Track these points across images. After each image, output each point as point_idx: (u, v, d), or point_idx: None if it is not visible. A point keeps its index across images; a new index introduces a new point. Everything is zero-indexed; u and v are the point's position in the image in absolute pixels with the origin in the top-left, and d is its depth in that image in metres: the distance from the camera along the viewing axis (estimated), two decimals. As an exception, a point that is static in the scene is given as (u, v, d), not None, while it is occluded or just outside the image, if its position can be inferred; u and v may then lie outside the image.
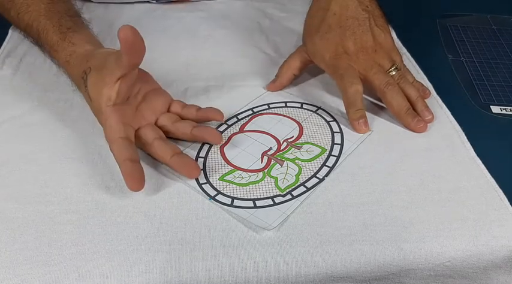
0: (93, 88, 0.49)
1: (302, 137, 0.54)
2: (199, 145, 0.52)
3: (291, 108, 0.58)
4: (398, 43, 0.66)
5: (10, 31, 0.68)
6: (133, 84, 0.49)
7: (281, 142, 0.53)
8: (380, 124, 0.55)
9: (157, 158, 0.49)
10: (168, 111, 0.53)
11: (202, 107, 0.53)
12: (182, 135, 0.51)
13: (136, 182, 0.45)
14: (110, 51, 0.51)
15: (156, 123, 0.52)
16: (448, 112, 0.57)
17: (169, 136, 0.52)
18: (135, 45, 0.44)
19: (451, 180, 0.49)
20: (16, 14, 0.59)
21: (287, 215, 0.45)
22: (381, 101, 0.57)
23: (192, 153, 0.51)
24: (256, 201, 0.47)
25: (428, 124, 0.55)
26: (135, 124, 0.50)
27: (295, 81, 0.61)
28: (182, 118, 0.53)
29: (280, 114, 0.57)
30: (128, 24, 0.44)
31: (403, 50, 0.66)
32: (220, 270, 0.42)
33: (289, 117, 0.56)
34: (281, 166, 0.50)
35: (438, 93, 0.60)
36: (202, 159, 0.51)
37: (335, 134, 0.54)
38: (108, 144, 0.48)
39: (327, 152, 0.52)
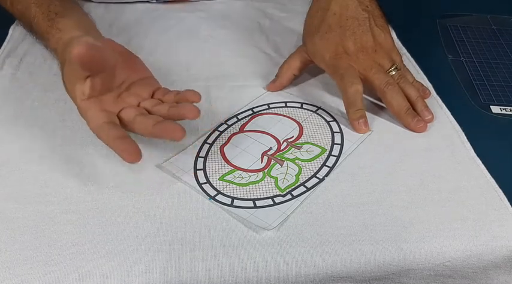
0: (67, 81, 0.48)
1: (302, 137, 0.54)
2: (200, 144, 0.52)
3: (291, 108, 0.58)
4: (398, 43, 0.66)
5: (10, 31, 0.68)
6: (115, 75, 0.48)
7: (281, 142, 0.53)
8: (380, 124, 0.55)
9: (141, 132, 0.47)
10: (152, 97, 0.51)
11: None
12: (162, 116, 0.48)
13: (132, 153, 0.44)
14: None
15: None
16: (448, 112, 0.57)
17: None
18: (91, 62, 0.43)
19: (451, 180, 0.49)
20: (11, 3, 0.58)
21: (287, 215, 0.45)
22: (381, 101, 0.57)
23: (192, 153, 0.51)
24: (256, 201, 0.47)
25: (428, 124, 0.55)
26: (116, 109, 0.48)
27: (295, 81, 0.61)
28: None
29: (280, 114, 0.57)
30: (83, 44, 0.43)
31: (403, 50, 0.66)
32: (220, 270, 0.42)
33: (289, 117, 0.56)
34: (281, 166, 0.50)
35: (438, 93, 0.60)
36: (202, 159, 0.51)
37: (335, 134, 0.54)
38: (95, 134, 0.47)
39: (327, 152, 0.52)
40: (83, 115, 0.48)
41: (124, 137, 0.45)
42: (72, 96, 0.48)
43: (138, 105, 0.50)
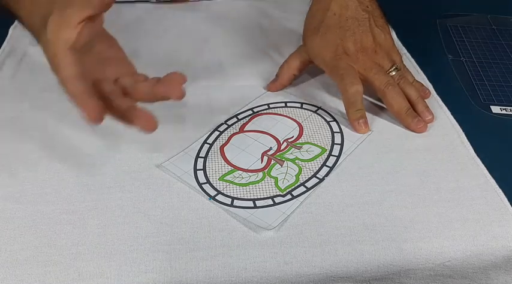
0: (53, 31, 0.42)
1: (302, 137, 0.54)
2: (200, 145, 0.52)
3: (291, 108, 0.58)
4: (398, 43, 0.66)
5: (10, 31, 0.68)
6: (95, 42, 0.45)
7: (281, 142, 0.53)
8: (380, 124, 0.55)
9: (111, 112, 0.45)
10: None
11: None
12: (143, 96, 0.45)
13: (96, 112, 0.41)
14: None
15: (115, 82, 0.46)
16: (448, 112, 0.57)
17: None
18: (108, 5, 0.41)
19: (451, 180, 0.49)
20: None
21: (287, 215, 0.45)
22: (381, 101, 0.57)
23: (192, 153, 0.51)
24: (256, 201, 0.47)
25: (428, 125, 0.55)
26: (92, 74, 0.44)
27: (295, 81, 0.61)
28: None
29: (280, 114, 0.57)
30: None
31: (403, 50, 0.66)
32: (220, 270, 0.42)
33: (289, 117, 0.56)
34: (281, 166, 0.50)
35: (438, 93, 0.60)
36: (202, 159, 0.51)
37: (335, 134, 0.54)
38: (64, 84, 0.42)
39: (327, 152, 0.52)
40: (57, 62, 0.42)
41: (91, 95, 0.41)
42: (53, 45, 0.42)
43: (116, 81, 0.46)
